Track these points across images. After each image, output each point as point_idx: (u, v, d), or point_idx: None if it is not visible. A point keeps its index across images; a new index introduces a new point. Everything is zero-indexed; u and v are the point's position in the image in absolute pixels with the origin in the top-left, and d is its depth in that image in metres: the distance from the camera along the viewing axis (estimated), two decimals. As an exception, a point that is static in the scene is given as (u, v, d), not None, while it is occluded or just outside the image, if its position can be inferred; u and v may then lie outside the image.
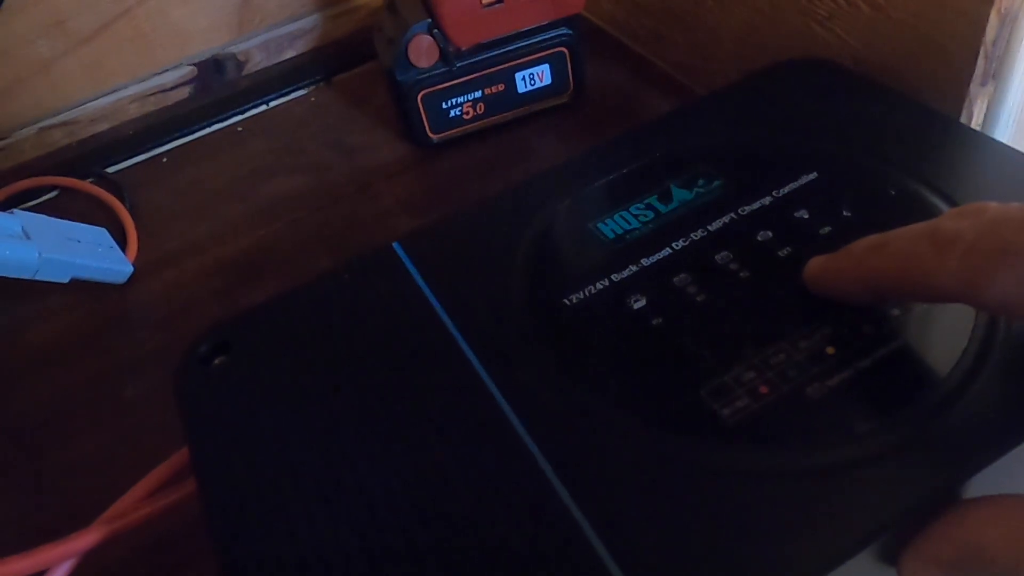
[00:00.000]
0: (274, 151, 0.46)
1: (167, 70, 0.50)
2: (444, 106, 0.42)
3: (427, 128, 0.43)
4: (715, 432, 0.21)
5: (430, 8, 0.39)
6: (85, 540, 0.24)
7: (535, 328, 0.25)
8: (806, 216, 0.26)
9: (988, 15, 0.28)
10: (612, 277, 0.26)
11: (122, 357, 0.36)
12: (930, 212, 0.26)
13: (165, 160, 0.47)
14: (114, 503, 0.25)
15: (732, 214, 0.27)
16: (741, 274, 0.25)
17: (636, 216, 0.28)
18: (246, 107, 0.50)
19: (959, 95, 0.31)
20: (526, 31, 0.41)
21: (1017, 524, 0.17)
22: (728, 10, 0.40)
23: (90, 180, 0.45)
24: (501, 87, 0.42)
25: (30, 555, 0.23)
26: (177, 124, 0.49)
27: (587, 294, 0.25)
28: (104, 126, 0.49)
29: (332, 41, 0.53)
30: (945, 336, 0.22)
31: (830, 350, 0.22)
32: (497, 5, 0.39)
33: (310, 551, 0.20)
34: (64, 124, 0.48)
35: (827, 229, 0.26)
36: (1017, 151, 0.28)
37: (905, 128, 0.29)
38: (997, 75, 0.30)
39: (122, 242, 0.41)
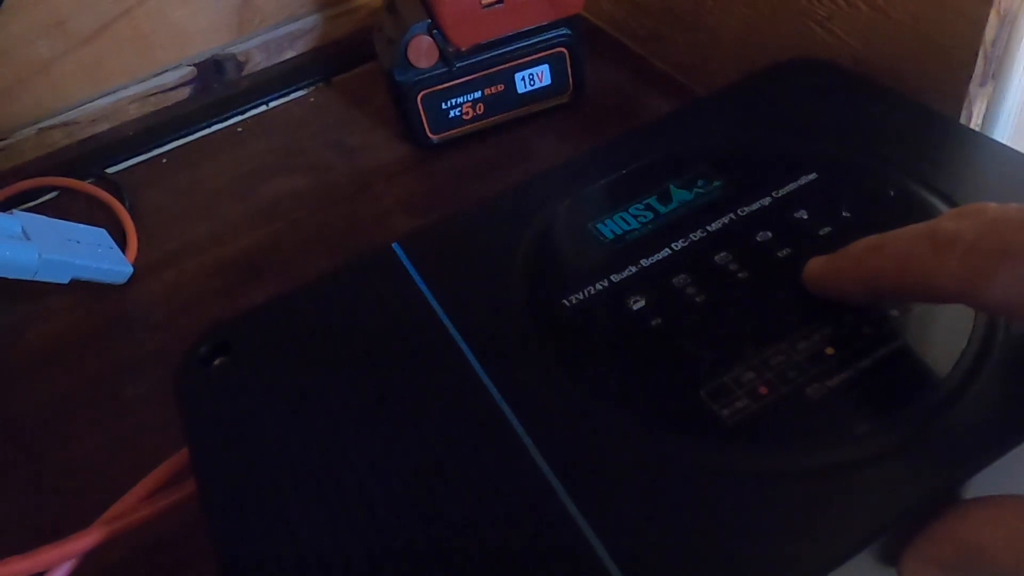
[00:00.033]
0: (274, 151, 0.46)
1: (167, 70, 0.50)
2: (444, 106, 0.42)
3: (427, 128, 0.43)
4: (715, 433, 0.21)
5: (430, 8, 0.39)
6: (85, 541, 0.24)
7: (534, 329, 0.25)
8: (805, 217, 0.26)
9: (987, 15, 0.28)
10: (611, 278, 0.26)
11: (122, 357, 0.36)
12: (929, 212, 0.26)
13: (165, 161, 0.47)
14: (114, 504, 0.25)
15: (731, 215, 0.27)
16: (740, 275, 0.25)
17: (635, 217, 0.28)
18: (246, 107, 0.50)
19: (958, 95, 0.31)
20: (526, 31, 0.41)
21: (1017, 524, 0.17)
22: (728, 10, 0.40)
23: (90, 181, 0.45)
24: (501, 87, 0.42)
25: (30, 556, 0.23)
26: (177, 124, 0.49)
27: (586, 295, 0.25)
28: (104, 126, 0.49)
29: (332, 41, 0.53)
30: (945, 337, 0.22)
31: (829, 351, 0.22)
32: (497, 5, 0.39)
33: (310, 551, 0.20)
34: (64, 125, 0.48)
35: (826, 230, 0.26)
36: (1016, 151, 0.28)
37: (904, 128, 0.29)
38: (996, 75, 0.30)
39: (122, 243, 0.41)
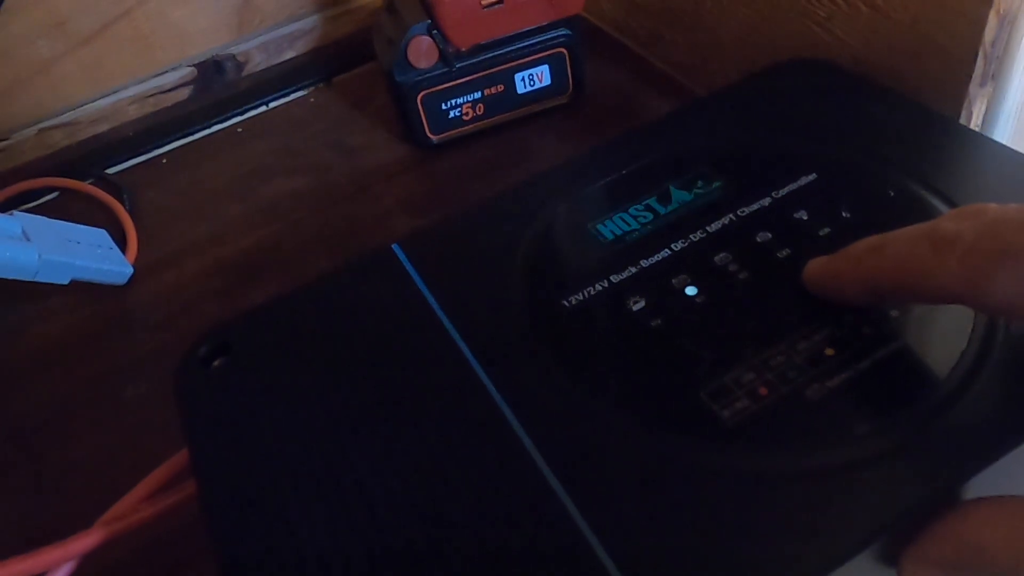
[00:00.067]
0: (274, 152, 0.46)
1: (167, 71, 0.50)
2: (444, 107, 0.42)
3: (427, 129, 0.43)
4: (715, 433, 0.21)
5: (429, 9, 0.39)
6: (85, 541, 0.24)
7: (534, 329, 0.25)
8: (805, 217, 0.26)
9: (987, 16, 0.28)
10: (611, 278, 0.26)
11: (122, 358, 0.36)
12: (929, 213, 0.26)
13: (165, 161, 0.47)
14: (114, 504, 0.25)
15: (731, 215, 0.27)
16: (740, 275, 0.25)
17: (635, 217, 0.28)
18: (246, 108, 0.50)
19: (958, 96, 0.31)
20: (525, 32, 0.41)
21: (1017, 525, 0.17)
22: (728, 11, 0.40)
23: (90, 181, 0.45)
24: (501, 88, 0.42)
25: (30, 556, 0.23)
26: (177, 125, 0.49)
27: (586, 295, 0.25)
28: (104, 127, 0.49)
29: (332, 42, 0.53)
30: (944, 337, 0.22)
31: (829, 351, 0.22)
32: (496, 6, 0.39)
33: (310, 552, 0.20)
34: (64, 125, 0.48)
35: (826, 230, 0.26)
36: (1016, 152, 0.28)
37: (904, 129, 0.29)
38: (996, 76, 0.30)
39: (122, 243, 0.41)
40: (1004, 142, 0.30)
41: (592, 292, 0.25)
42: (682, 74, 0.45)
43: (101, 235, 0.40)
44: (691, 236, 0.26)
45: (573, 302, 0.25)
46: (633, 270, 0.26)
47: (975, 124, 0.32)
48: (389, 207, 0.41)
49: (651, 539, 0.19)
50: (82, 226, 0.40)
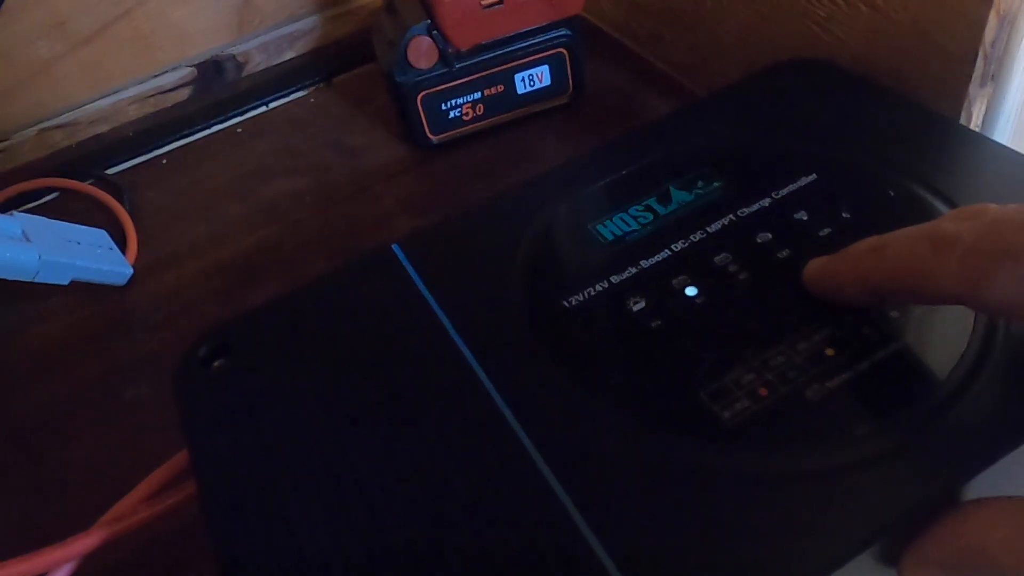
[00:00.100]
0: (274, 152, 0.46)
1: (167, 71, 0.50)
2: (444, 107, 0.42)
3: (427, 129, 0.43)
4: (715, 434, 0.21)
5: (429, 9, 0.39)
6: (85, 542, 0.24)
7: (534, 330, 0.25)
8: (805, 218, 0.26)
9: (987, 16, 0.28)
10: (611, 279, 0.26)
11: (122, 359, 0.36)
12: (929, 213, 0.26)
13: (165, 161, 0.47)
14: (114, 505, 0.25)
15: (731, 216, 0.27)
16: (740, 276, 0.25)
17: (635, 218, 0.28)
18: (246, 108, 0.50)
19: (958, 96, 0.31)
20: (525, 32, 0.41)
21: (1018, 526, 0.17)
22: (727, 11, 0.40)
23: (90, 182, 0.45)
24: (500, 88, 0.42)
25: (30, 558, 0.23)
26: (177, 125, 0.49)
27: (586, 296, 0.25)
28: (104, 127, 0.49)
29: (332, 42, 0.53)
30: (944, 338, 0.22)
31: (829, 352, 0.22)
32: (496, 6, 0.39)
33: (310, 552, 0.20)
34: (64, 125, 0.48)
35: (826, 231, 0.26)
36: (1016, 152, 0.28)
37: (904, 129, 0.29)
38: (996, 76, 0.30)
39: (122, 244, 0.41)
40: (1004, 142, 0.30)
41: (592, 292, 0.25)
42: (682, 74, 0.45)
43: (101, 235, 0.40)
44: (691, 236, 0.26)
45: (573, 302, 0.25)
46: (633, 270, 0.26)
47: (975, 124, 0.32)
48: (389, 207, 0.41)
49: (651, 539, 0.19)
50: (82, 227, 0.40)
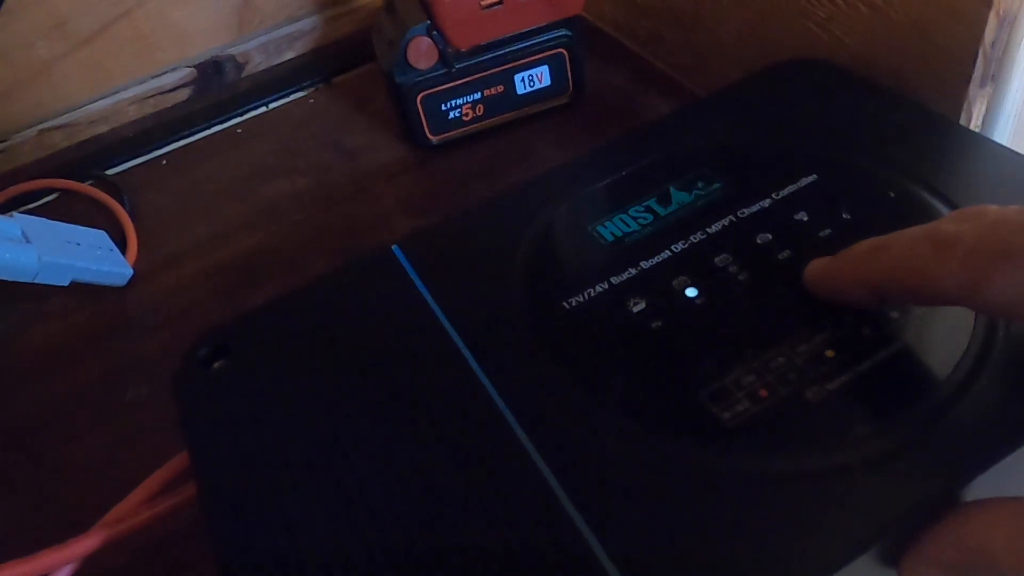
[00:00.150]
0: (274, 153, 0.46)
1: (166, 72, 0.50)
2: (443, 108, 0.42)
3: (426, 129, 0.43)
4: (715, 435, 0.21)
5: (429, 10, 0.39)
6: (85, 544, 0.24)
7: (534, 331, 0.25)
8: (805, 218, 0.26)
9: (987, 17, 0.28)
10: (611, 280, 0.26)
11: (122, 359, 0.36)
12: (929, 214, 0.26)
13: (165, 162, 0.47)
14: (114, 506, 0.25)
15: (731, 216, 0.27)
16: (740, 277, 0.25)
17: (635, 219, 0.28)
18: (245, 109, 0.50)
19: (958, 96, 0.31)
20: (525, 32, 0.41)
21: (1019, 526, 0.17)
22: (727, 11, 0.40)
23: (89, 182, 0.45)
24: (500, 88, 0.42)
25: (30, 559, 0.23)
26: (176, 126, 0.49)
27: (586, 297, 0.25)
28: (103, 128, 0.49)
29: (332, 42, 0.53)
30: (945, 338, 0.22)
31: (830, 353, 0.22)
32: (496, 7, 0.39)
33: (310, 554, 0.20)
34: (63, 126, 0.48)
35: (826, 231, 0.26)
36: (1016, 153, 0.28)
37: (904, 130, 0.29)
38: (996, 77, 0.30)
39: (122, 244, 0.41)
40: (1004, 143, 0.30)
41: (592, 293, 0.25)
42: (682, 74, 0.45)
43: (101, 236, 0.40)
44: (691, 237, 0.26)
45: (573, 303, 0.25)
46: (633, 271, 0.26)
47: (975, 125, 0.32)
48: (389, 208, 0.41)
49: (651, 540, 0.19)
50: (82, 227, 0.40)
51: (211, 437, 0.24)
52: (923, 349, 0.22)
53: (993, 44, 0.29)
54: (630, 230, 0.27)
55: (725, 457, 0.20)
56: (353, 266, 0.28)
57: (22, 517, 0.31)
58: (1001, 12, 0.28)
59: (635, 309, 0.25)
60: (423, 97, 0.41)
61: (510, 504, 0.20)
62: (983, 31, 0.28)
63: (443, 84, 0.41)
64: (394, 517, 0.21)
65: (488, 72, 0.41)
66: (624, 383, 0.23)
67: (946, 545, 0.18)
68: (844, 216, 0.26)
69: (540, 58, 0.42)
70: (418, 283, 0.27)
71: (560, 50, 0.42)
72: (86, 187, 0.45)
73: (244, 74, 0.52)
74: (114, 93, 0.49)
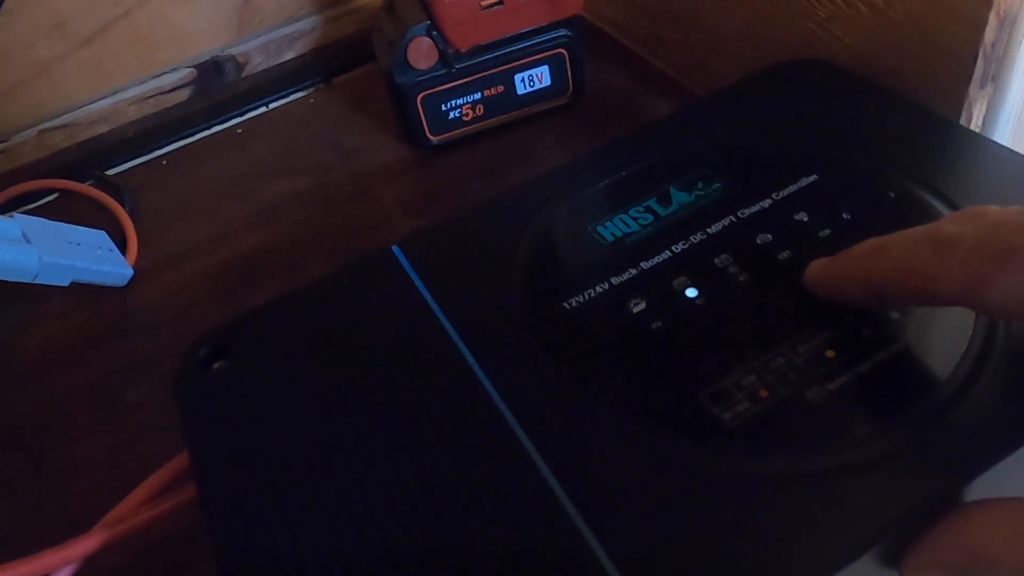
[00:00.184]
0: (274, 153, 0.46)
1: (166, 72, 0.50)
2: (443, 108, 0.42)
3: (427, 130, 0.43)
4: (715, 436, 0.21)
5: (429, 10, 0.39)
6: (86, 545, 0.24)
7: (534, 331, 0.25)
8: (806, 219, 0.26)
9: (987, 17, 0.28)
10: (612, 280, 0.26)
11: (122, 360, 0.36)
12: (930, 214, 0.26)
13: (165, 162, 0.47)
14: (115, 507, 0.25)
15: (731, 217, 0.27)
16: (741, 277, 0.25)
17: (635, 219, 0.28)
18: (246, 109, 0.50)
19: (959, 97, 0.31)
20: (525, 33, 0.41)
21: (1020, 527, 0.17)
22: (727, 11, 0.40)
23: (90, 183, 0.45)
24: (500, 89, 0.42)
25: (30, 560, 0.23)
26: (177, 126, 0.49)
27: (587, 297, 0.25)
28: (104, 128, 0.49)
29: (332, 42, 0.53)
30: (945, 339, 0.22)
31: (830, 353, 0.22)
32: (496, 7, 0.39)
33: (310, 555, 0.20)
34: (64, 126, 0.48)
35: (827, 232, 0.26)
36: (1017, 153, 0.28)
37: (905, 130, 0.29)
38: (996, 77, 0.30)
39: (122, 245, 0.41)
40: (1004, 143, 0.30)
41: (592, 294, 0.25)
42: (682, 75, 0.45)
43: (101, 237, 0.40)
44: (691, 238, 0.26)
45: (573, 304, 0.25)
46: (633, 272, 0.26)
47: (975, 125, 0.32)
48: (389, 208, 0.41)
49: (651, 540, 0.19)
50: (82, 228, 0.40)
51: (211, 437, 0.24)
52: (923, 350, 0.22)
53: (993, 44, 0.29)
54: (630, 230, 0.27)
55: (725, 457, 0.20)
56: (353, 266, 0.28)
57: (22, 517, 0.31)
58: (1001, 12, 0.28)
59: (635, 309, 0.25)
60: (423, 97, 0.41)
61: (510, 504, 0.20)
62: (983, 31, 0.28)
63: (443, 84, 0.41)
64: (394, 517, 0.21)
65: (488, 72, 0.41)
66: (624, 383, 0.23)
67: (946, 546, 0.18)
68: (844, 216, 0.26)
69: (540, 58, 0.42)
70: (418, 283, 0.27)
71: (560, 50, 0.42)
72: (86, 187, 0.45)
73: (244, 74, 0.52)
74: (114, 93, 0.49)
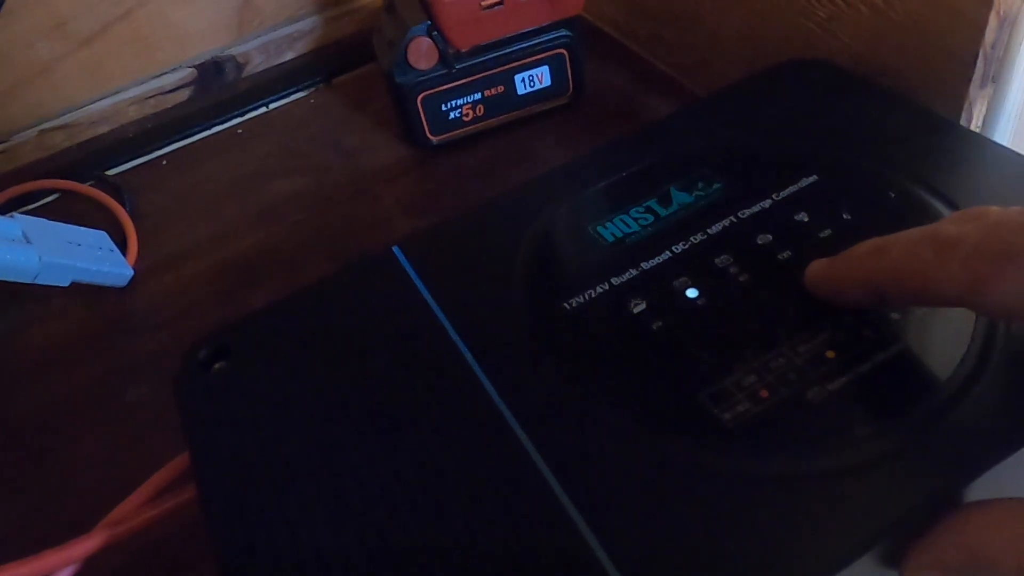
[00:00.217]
0: (274, 153, 0.46)
1: (167, 72, 0.50)
2: (444, 108, 0.42)
3: (427, 130, 0.43)
4: (716, 436, 0.21)
5: (429, 10, 0.39)
6: (86, 545, 0.24)
7: (535, 332, 0.25)
8: (806, 219, 0.26)
9: (987, 17, 0.28)
10: (612, 281, 0.26)
11: (123, 360, 0.36)
12: (930, 215, 0.26)
13: (165, 162, 0.47)
14: (116, 507, 0.25)
15: (732, 217, 0.27)
16: (741, 277, 0.25)
17: (636, 219, 0.28)
18: (246, 109, 0.50)
19: (959, 97, 0.31)
20: (525, 33, 0.41)
21: (1019, 528, 0.17)
22: (728, 12, 0.40)
23: (90, 183, 0.45)
24: (501, 89, 0.42)
25: (31, 560, 0.23)
26: (177, 126, 0.49)
27: (587, 298, 0.25)
28: (104, 128, 0.49)
29: (332, 43, 0.53)
30: (945, 340, 0.22)
31: (830, 354, 0.22)
32: (496, 7, 0.39)
33: (310, 555, 0.20)
34: (64, 127, 0.48)
35: (827, 232, 0.26)
36: (1017, 153, 0.28)
37: (905, 130, 0.29)
38: (996, 77, 0.30)
39: (122, 245, 0.41)
40: (1004, 143, 0.30)
41: (593, 294, 0.25)
42: (682, 75, 0.45)
43: (101, 237, 0.40)
44: (692, 238, 0.26)
45: (574, 304, 0.25)
46: (634, 272, 0.26)
47: (975, 125, 0.32)
48: (389, 208, 0.41)
49: (651, 541, 0.19)
50: (82, 228, 0.40)
51: (212, 438, 0.24)
52: (924, 350, 0.22)
53: (993, 45, 0.29)
54: (631, 231, 0.27)
55: (726, 457, 0.20)
56: (353, 267, 0.28)
57: (22, 517, 0.31)
58: (1001, 12, 0.28)
59: (636, 310, 0.25)
60: (423, 97, 0.41)
61: (510, 504, 0.20)
62: (983, 32, 0.28)
63: (443, 84, 0.41)
64: (394, 517, 0.21)
65: (488, 72, 0.41)
66: (624, 383, 0.23)
67: (946, 546, 0.18)
68: (845, 217, 0.26)
69: (540, 58, 0.42)
70: (418, 284, 0.27)
71: (560, 50, 0.42)
72: (87, 187, 0.45)
73: (244, 74, 0.52)
74: (114, 93, 0.49)
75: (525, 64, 0.42)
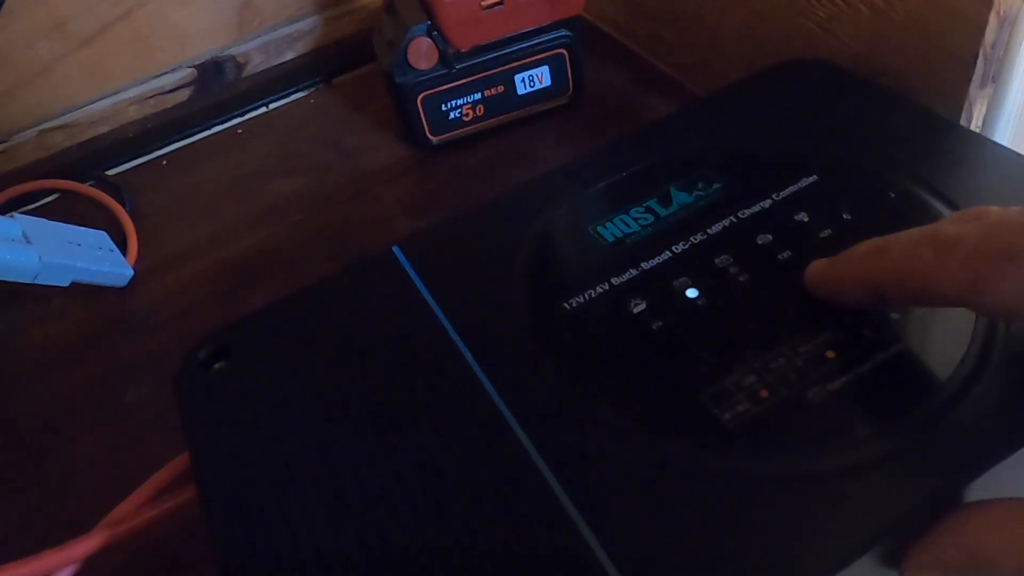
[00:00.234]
0: (274, 153, 0.46)
1: (167, 72, 0.50)
2: (444, 108, 0.42)
3: (427, 130, 0.43)
4: (716, 436, 0.21)
5: (429, 10, 0.39)
6: (86, 545, 0.24)
7: (535, 332, 0.25)
8: (806, 219, 0.26)
9: (987, 17, 0.28)
10: (612, 281, 0.26)
11: (123, 360, 0.36)
12: (930, 215, 0.26)
13: (165, 162, 0.47)
14: (115, 507, 0.25)
15: (732, 217, 0.27)
16: (741, 277, 0.25)
17: (636, 219, 0.28)
18: (246, 109, 0.50)
19: (959, 97, 0.31)
20: (525, 33, 0.41)
21: (1019, 528, 0.17)
22: (728, 11, 0.40)
23: (90, 183, 0.45)
24: (501, 89, 0.42)
25: (31, 560, 0.23)
26: (177, 126, 0.49)
27: (587, 298, 0.25)
28: (104, 128, 0.49)
29: (332, 43, 0.53)
30: (945, 340, 0.22)
31: (830, 354, 0.22)
32: (496, 7, 0.39)
33: (310, 555, 0.20)
34: (64, 127, 0.48)
35: (827, 232, 0.26)
36: (1017, 153, 0.28)
37: (905, 130, 0.29)
38: (996, 77, 0.30)
39: (122, 245, 0.41)
40: (1004, 143, 0.30)
41: (593, 294, 0.25)
42: (682, 75, 0.45)
43: (101, 237, 0.40)
44: (692, 238, 0.26)
45: (574, 304, 0.25)
46: (634, 272, 0.26)
47: (975, 125, 0.32)
48: (389, 208, 0.41)
49: (652, 542, 0.19)
50: (82, 228, 0.40)
51: (212, 439, 0.24)
52: (924, 350, 0.22)
53: (993, 45, 0.29)
54: (631, 231, 0.27)
55: (726, 458, 0.20)
56: (353, 267, 0.28)
57: (22, 517, 0.31)
58: (1001, 13, 0.28)
59: (636, 310, 0.25)
60: (423, 97, 0.41)
61: (510, 504, 0.20)
62: (983, 32, 0.28)
63: (443, 84, 0.41)
64: (394, 517, 0.21)
65: (488, 72, 0.41)
66: (625, 383, 0.23)
67: (947, 546, 0.18)
68: (845, 217, 0.26)
69: (540, 58, 0.42)
70: (418, 284, 0.27)
71: (560, 50, 0.42)
72: (87, 187, 0.45)
73: (244, 74, 0.52)
74: (114, 93, 0.49)
75: (525, 64, 0.42)
